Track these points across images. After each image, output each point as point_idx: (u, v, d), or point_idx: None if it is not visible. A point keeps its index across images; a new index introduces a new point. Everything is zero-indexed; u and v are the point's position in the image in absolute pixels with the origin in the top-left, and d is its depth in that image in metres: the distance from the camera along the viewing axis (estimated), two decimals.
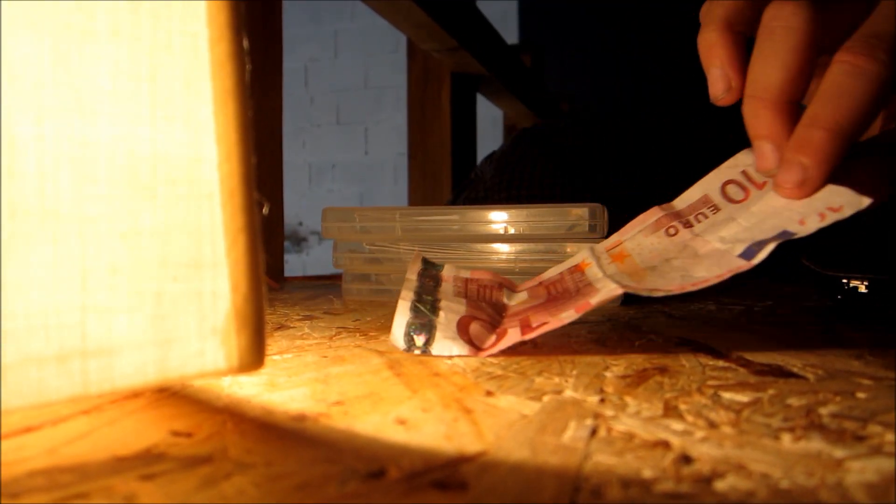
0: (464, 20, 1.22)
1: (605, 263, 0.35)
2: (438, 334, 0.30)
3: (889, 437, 0.18)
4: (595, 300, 0.28)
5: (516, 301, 0.37)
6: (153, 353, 0.18)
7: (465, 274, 0.40)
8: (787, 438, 0.18)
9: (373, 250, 0.60)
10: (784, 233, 0.28)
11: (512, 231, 0.56)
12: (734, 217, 0.33)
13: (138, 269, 0.18)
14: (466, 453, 0.17)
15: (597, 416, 0.21)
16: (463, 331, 0.31)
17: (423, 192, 1.31)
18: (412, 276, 0.37)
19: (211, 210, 0.19)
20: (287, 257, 3.23)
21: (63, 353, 0.16)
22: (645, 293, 0.28)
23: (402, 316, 0.32)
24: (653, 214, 0.36)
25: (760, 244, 0.28)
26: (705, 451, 0.17)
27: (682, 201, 0.37)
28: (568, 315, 0.28)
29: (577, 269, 0.36)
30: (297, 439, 0.19)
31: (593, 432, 0.19)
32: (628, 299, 0.56)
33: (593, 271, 0.34)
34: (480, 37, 1.31)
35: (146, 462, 0.17)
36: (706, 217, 0.35)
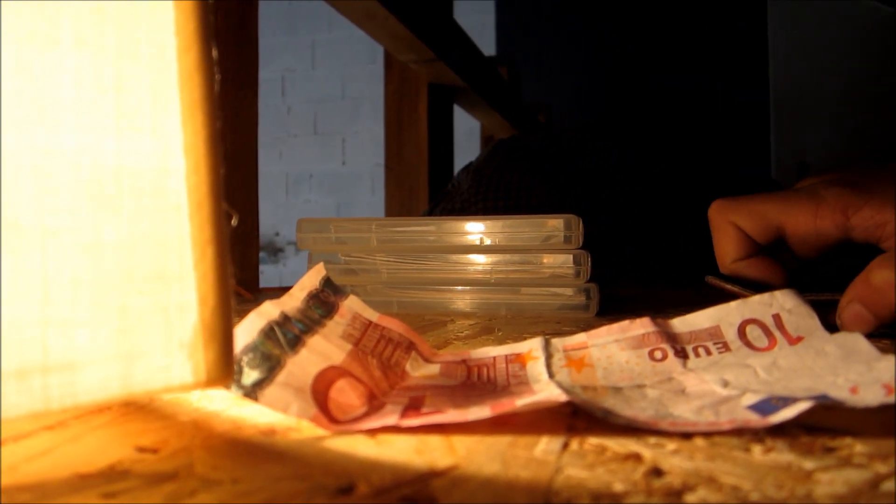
0: (441, 32, 1.22)
1: (557, 365, 0.28)
2: (280, 378, 0.21)
3: (858, 448, 0.18)
4: (523, 402, 0.21)
5: (422, 373, 0.29)
6: (118, 368, 0.18)
7: (372, 316, 0.30)
8: (757, 450, 0.18)
9: (348, 261, 0.59)
10: (823, 396, 0.21)
11: (488, 242, 0.56)
12: (749, 364, 0.26)
13: (102, 283, 0.17)
14: (437, 468, 0.17)
15: (570, 428, 0.21)
16: (321, 387, 0.22)
17: (400, 203, 1.31)
18: (300, 292, 0.29)
19: (178, 222, 0.19)
20: (263, 268, 3.21)
21: (23, 368, 0.16)
22: (599, 413, 0.20)
23: (243, 334, 0.23)
24: (640, 326, 0.30)
25: (785, 400, 0.20)
26: (677, 464, 0.17)
27: (684, 324, 0.30)
28: (477, 412, 0.20)
29: (518, 360, 0.29)
30: (266, 454, 0.18)
31: (565, 445, 0.19)
32: (604, 309, 0.56)
33: (537, 369, 0.28)
34: (457, 48, 1.32)
35: (109, 479, 0.16)
36: (709, 354, 0.29)
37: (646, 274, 1.00)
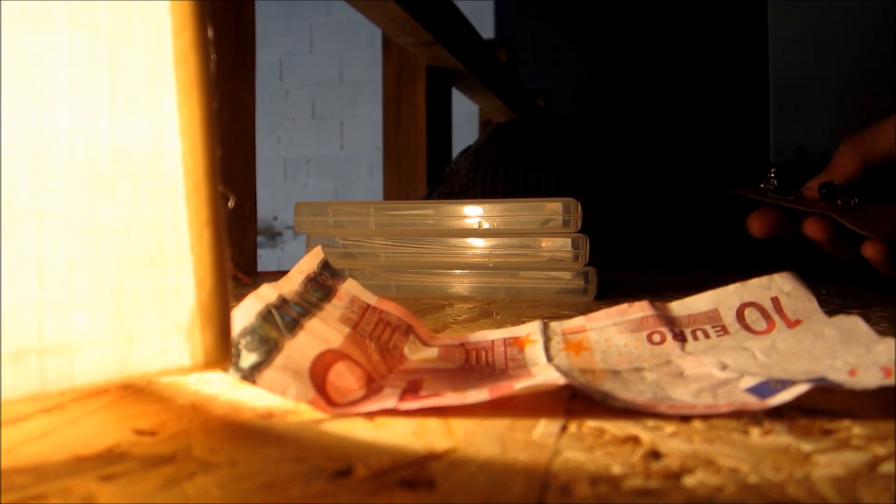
0: (439, 14, 1.21)
1: (556, 349, 0.28)
2: (278, 362, 0.21)
3: (856, 430, 0.18)
4: (521, 384, 0.21)
5: (420, 356, 0.28)
6: (114, 351, 0.18)
7: (370, 299, 0.30)
8: (755, 433, 0.18)
9: (346, 245, 0.59)
10: (821, 379, 0.21)
11: (486, 226, 0.56)
12: (747, 347, 0.26)
13: (98, 265, 0.17)
14: (435, 451, 0.17)
15: (568, 411, 0.21)
16: (319, 370, 0.22)
17: (398, 187, 1.31)
18: (298, 275, 0.28)
19: (174, 204, 0.18)
20: (261, 252, 3.21)
21: (19, 350, 0.16)
22: (598, 396, 0.21)
23: (241, 317, 0.22)
24: (639, 310, 0.30)
25: (783, 383, 0.21)
26: (675, 447, 0.17)
27: (683, 307, 0.30)
28: (475, 395, 0.20)
29: (516, 343, 0.29)
30: (264, 437, 0.18)
31: (563, 428, 0.19)
32: (603, 293, 0.56)
33: (535, 352, 0.28)
34: (456, 31, 1.31)
35: (107, 462, 0.16)
36: (707, 337, 0.29)
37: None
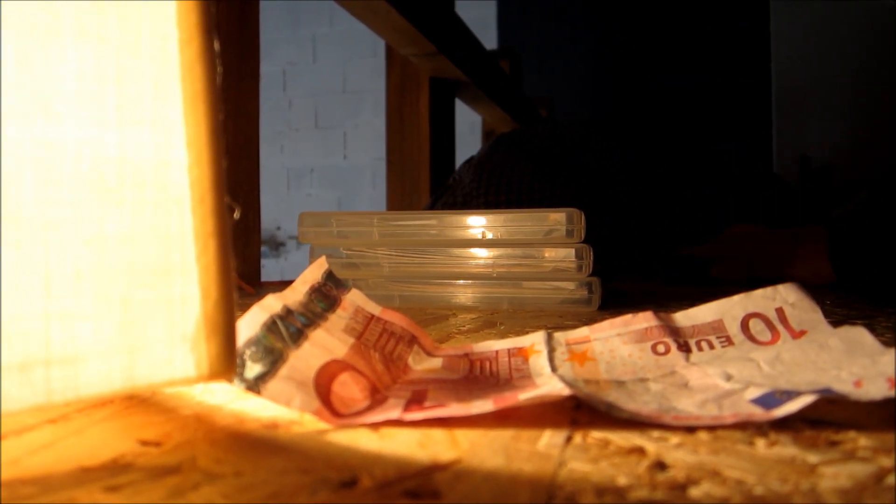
0: (442, 25, 1.22)
1: (560, 359, 0.28)
2: (283, 372, 0.21)
3: (863, 441, 0.18)
4: (526, 396, 0.21)
5: (424, 367, 0.28)
6: (120, 361, 0.18)
7: (374, 310, 0.30)
8: (761, 444, 0.18)
9: (350, 255, 0.59)
10: (827, 390, 0.21)
11: (489, 236, 0.56)
12: (752, 358, 0.26)
13: (104, 275, 0.17)
14: (440, 461, 0.17)
15: (573, 421, 0.20)
16: (323, 380, 0.22)
17: (401, 197, 1.31)
18: (303, 286, 0.28)
19: (180, 215, 0.18)
20: (265, 262, 3.21)
21: (26, 361, 0.16)
22: (602, 407, 0.20)
23: (245, 328, 0.22)
24: (643, 320, 0.30)
25: (788, 394, 0.20)
26: (680, 458, 0.17)
27: (687, 318, 0.30)
28: (480, 405, 0.20)
29: (520, 354, 0.29)
30: (269, 448, 0.18)
31: (568, 439, 0.19)
32: (606, 303, 0.56)
33: (539, 363, 0.28)
34: (459, 42, 1.31)
35: (112, 473, 0.16)
36: (712, 348, 0.29)
37: (647, 276, 0.99)
